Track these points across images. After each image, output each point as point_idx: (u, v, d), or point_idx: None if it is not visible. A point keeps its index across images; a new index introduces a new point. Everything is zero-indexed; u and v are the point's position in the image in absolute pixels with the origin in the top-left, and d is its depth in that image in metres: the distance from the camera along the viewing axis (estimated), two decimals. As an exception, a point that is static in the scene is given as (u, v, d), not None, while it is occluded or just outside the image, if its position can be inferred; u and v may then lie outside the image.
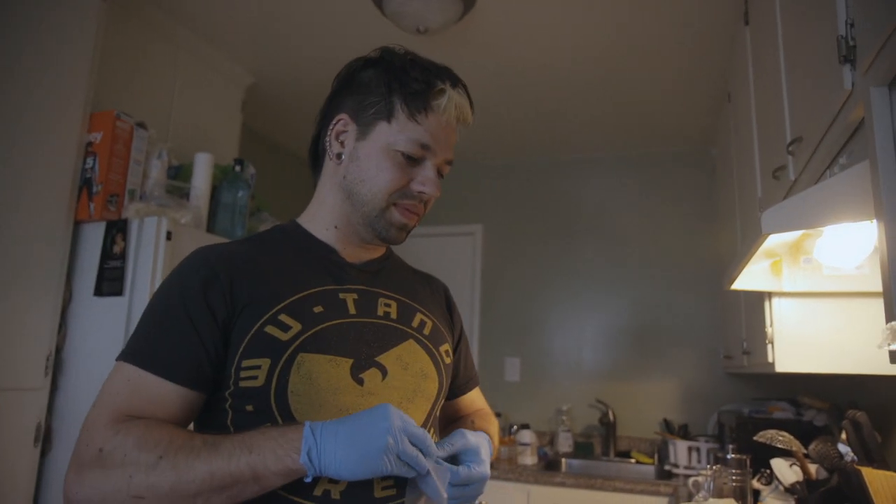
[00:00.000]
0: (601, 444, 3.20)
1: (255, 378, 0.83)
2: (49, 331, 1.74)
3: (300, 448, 0.74)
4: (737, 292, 2.24)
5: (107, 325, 1.77)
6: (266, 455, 0.74)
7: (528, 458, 2.94)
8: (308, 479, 0.76)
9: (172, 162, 2.08)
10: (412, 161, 0.92)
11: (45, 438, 1.74)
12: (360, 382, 0.88)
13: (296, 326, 0.86)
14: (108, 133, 1.85)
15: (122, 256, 1.79)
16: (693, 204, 3.37)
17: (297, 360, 0.84)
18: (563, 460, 3.08)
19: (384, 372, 0.91)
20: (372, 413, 0.78)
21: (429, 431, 0.96)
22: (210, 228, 2.08)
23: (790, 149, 1.26)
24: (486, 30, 2.31)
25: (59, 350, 1.80)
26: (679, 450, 2.79)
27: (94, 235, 1.85)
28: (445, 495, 0.81)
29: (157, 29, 2.29)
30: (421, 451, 0.78)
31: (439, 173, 0.95)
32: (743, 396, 2.99)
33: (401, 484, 0.86)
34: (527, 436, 2.97)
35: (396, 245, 1.01)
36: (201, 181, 2.04)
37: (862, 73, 0.85)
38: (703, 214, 3.30)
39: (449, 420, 1.14)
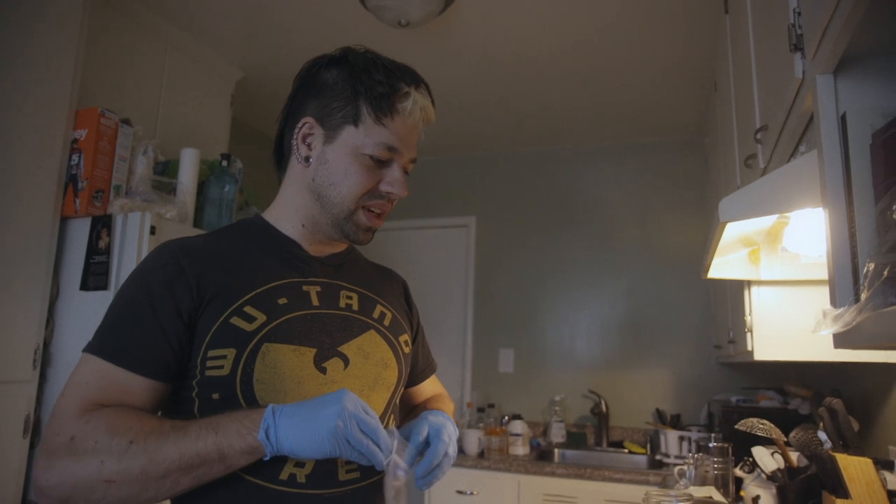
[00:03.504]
0: (594, 434, 3.21)
1: (221, 367, 0.86)
2: (37, 324, 1.77)
3: (260, 427, 0.78)
4: (724, 283, 2.24)
5: (93, 318, 1.79)
6: (231, 434, 0.78)
7: (520, 449, 2.95)
8: (266, 458, 0.79)
9: (160, 157, 2.10)
10: (380, 163, 0.94)
11: (34, 430, 1.77)
12: (323, 371, 0.90)
13: (260, 318, 0.88)
14: (93, 130, 1.87)
15: (107, 251, 1.81)
16: (687, 194, 3.35)
17: (263, 350, 0.86)
18: (556, 450, 3.09)
19: (346, 361, 0.93)
20: (327, 396, 0.81)
21: (389, 418, 0.99)
22: (197, 223, 2.09)
23: (757, 137, 1.26)
24: (469, 22, 2.31)
25: (46, 343, 1.82)
26: (670, 439, 2.80)
27: (80, 231, 1.87)
28: (405, 467, 0.85)
29: (145, 25, 2.30)
30: (372, 440, 0.79)
31: (404, 171, 0.97)
32: (734, 386, 3.00)
33: (364, 468, 0.88)
34: (518, 426, 2.97)
35: (362, 245, 1.03)
36: (187, 176, 2.06)
37: (809, 60, 0.85)
38: (697, 204, 3.29)
39: (408, 407, 1.17)
